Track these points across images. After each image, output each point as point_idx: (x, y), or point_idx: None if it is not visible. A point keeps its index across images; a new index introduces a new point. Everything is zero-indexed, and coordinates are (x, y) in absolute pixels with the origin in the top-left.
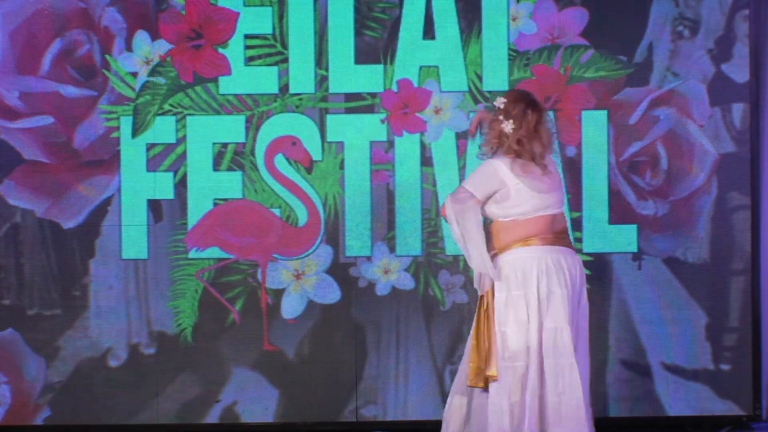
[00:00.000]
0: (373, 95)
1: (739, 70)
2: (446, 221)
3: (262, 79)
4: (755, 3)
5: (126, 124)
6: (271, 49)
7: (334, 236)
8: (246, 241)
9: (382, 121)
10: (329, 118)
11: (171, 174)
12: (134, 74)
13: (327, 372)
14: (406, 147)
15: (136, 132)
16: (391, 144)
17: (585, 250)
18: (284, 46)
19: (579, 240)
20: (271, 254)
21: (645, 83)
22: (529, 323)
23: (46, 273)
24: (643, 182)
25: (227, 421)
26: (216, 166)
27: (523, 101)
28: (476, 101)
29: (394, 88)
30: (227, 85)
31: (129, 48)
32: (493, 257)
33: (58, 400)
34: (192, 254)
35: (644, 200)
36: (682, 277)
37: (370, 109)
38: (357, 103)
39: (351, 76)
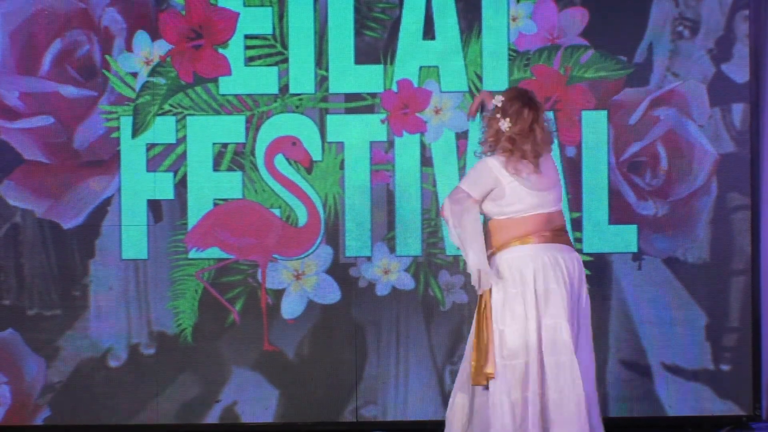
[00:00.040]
0: (373, 95)
1: (739, 70)
2: (445, 222)
3: (262, 80)
4: (755, 3)
5: (126, 125)
6: (271, 49)
7: (334, 236)
8: (246, 242)
9: (382, 122)
10: (329, 118)
11: (171, 174)
12: (134, 74)
13: (327, 372)
14: (406, 147)
15: (136, 132)
16: (391, 144)
17: (585, 250)
18: (284, 46)
19: (579, 240)
20: (271, 254)
21: (645, 83)
22: (527, 321)
23: (46, 273)
24: (643, 182)
25: (227, 422)
26: (216, 166)
27: (519, 100)
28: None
29: (394, 88)
30: (227, 86)
31: (129, 48)
32: (491, 255)
33: (58, 400)
34: (192, 254)
35: (644, 200)
36: (682, 277)
37: (370, 110)
38: (357, 104)
39: (351, 76)
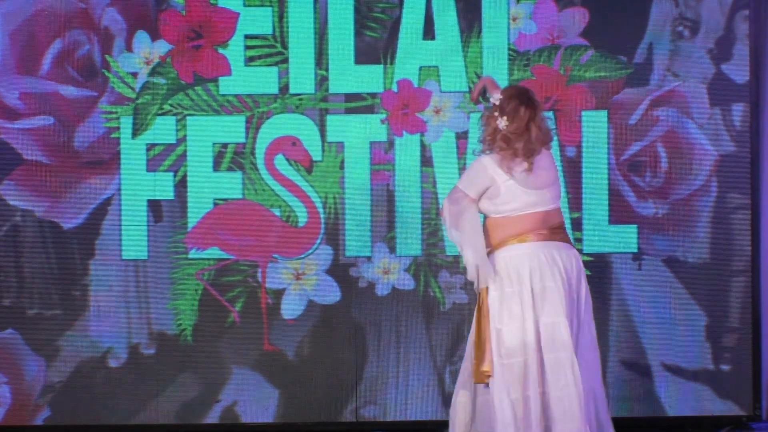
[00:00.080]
0: (373, 95)
1: (739, 70)
2: (443, 222)
3: (262, 80)
4: (755, 3)
5: (126, 125)
6: (271, 49)
7: (334, 236)
8: (246, 242)
9: (382, 122)
10: (329, 118)
11: (171, 174)
12: (134, 74)
13: (327, 372)
14: (406, 147)
15: (136, 132)
16: (391, 144)
17: (585, 250)
18: (284, 46)
19: (579, 240)
20: (271, 254)
21: (645, 83)
22: (524, 320)
23: (46, 273)
24: (643, 182)
25: (227, 422)
26: (216, 166)
27: (517, 98)
28: (476, 102)
29: (394, 88)
30: (227, 86)
31: (129, 48)
32: (488, 254)
33: (58, 400)
34: (192, 254)
35: (644, 200)
36: (682, 277)
37: (370, 110)
38: (357, 104)
39: (351, 76)
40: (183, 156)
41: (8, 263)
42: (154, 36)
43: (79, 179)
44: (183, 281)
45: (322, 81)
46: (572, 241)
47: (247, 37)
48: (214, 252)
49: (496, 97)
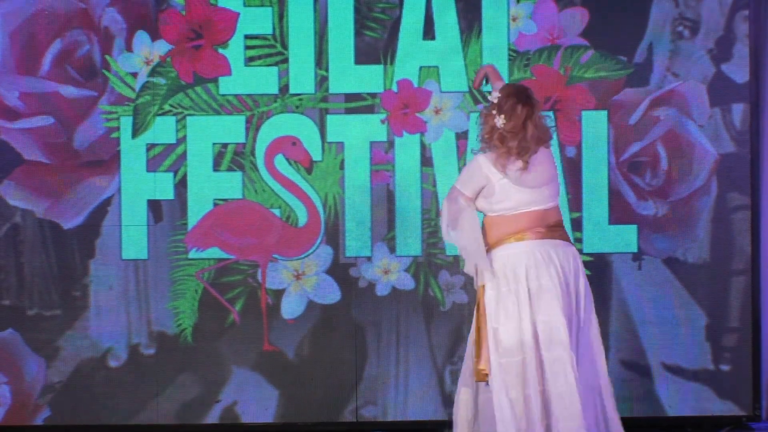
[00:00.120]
0: (373, 95)
1: (739, 70)
2: (441, 221)
3: (262, 80)
4: (755, 3)
5: (126, 125)
6: (271, 49)
7: (334, 236)
8: (246, 242)
9: (382, 122)
10: (329, 118)
11: (171, 174)
12: (134, 74)
13: (327, 372)
14: (406, 147)
15: (136, 132)
16: (391, 144)
17: (585, 250)
18: (284, 46)
19: (579, 240)
20: (271, 254)
21: (645, 83)
22: (521, 319)
23: (46, 273)
24: (643, 182)
25: (227, 422)
26: (216, 166)
27: (514, 96)
28: (476, 101)
29: (394, 88)
30: (227, 86)
31: (129, 48)
32: (486, 252)
33: (58, 400)
34: (192, 254)
35: (644, 200)
36: (682, 277)
37: (370, 110)
38: (357, 104)
39: (351, 76)
40: (183, 156)
41: (8, 263)
42: (154, 36)
43: (79, 179)
44: (183, 281)
45: (322, 81)
46: (572, 238)
47: (247, 37)
48: (214, 252)
49: (494, 95)
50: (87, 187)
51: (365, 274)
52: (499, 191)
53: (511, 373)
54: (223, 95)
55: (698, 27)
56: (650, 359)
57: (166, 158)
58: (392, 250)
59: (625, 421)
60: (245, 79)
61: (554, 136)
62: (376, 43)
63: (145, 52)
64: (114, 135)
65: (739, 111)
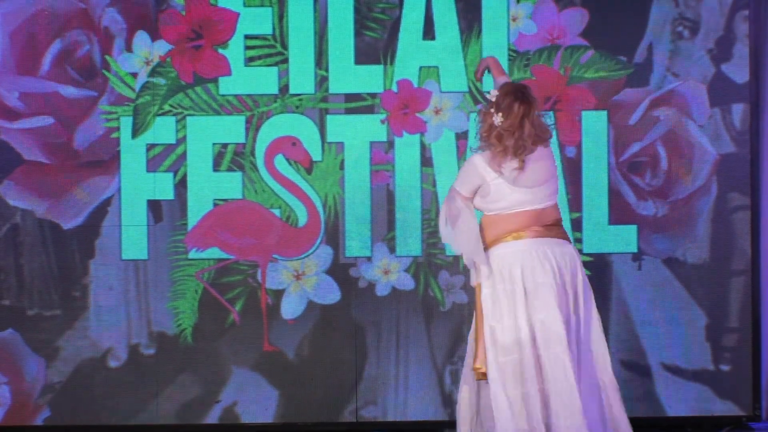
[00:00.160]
0: (373, 96)
1: (739, 71)
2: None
3: (262, 80)
4: (755, 3)
5: (126, 125)
6: (271, 49)
7: (334, 237)
8: (246, 242)
9: (382, 122)
10: (329, 118)
11: (171, 174)
12: (134, 75)
13: (327, 372)
14: (406, 147)
15: (136, 132)
16: (391, 144)
17: (585, 250)
18: (284, 46)
19: (579, 240)
20: (271, 255)
21: (645, 83)
22: (517, 317)
23: (46, 273)
24: (643, 182)
25: (227, 422)
26: (216, 166)
27: (512, 94)
28: (476, 102)
29: (394, 88)
30: (227, 86)
31: (129, 48)
32: (484, 251)
33: (58, 400)
34: (192, 255)
35: (644, 200)
36: (682, 277)
37: (370, 110)
38: (357, 104)
39: (351, 76)
40: (183, 156)
41: (8, 263)
42: (154, 36)
43: (79, 179)
44: (183, 281)
45: (322, 81)
46: (571, 238)
47: (247, 37)
48: (214, 252)
49: (493, 93)
50: (87, 187)
51: (365, 275)
52: (494, 191)
53: (508, 372)
54: (223, 95)
55: (698, 27)
56: (650, 359)
57: (166, 158)
58: (392, 250)
59: None
60: (245, 79)
61: (554, 136)
62: (376, 43)
63: (145, 53)
64: (114, 135)
65: (739, 111)
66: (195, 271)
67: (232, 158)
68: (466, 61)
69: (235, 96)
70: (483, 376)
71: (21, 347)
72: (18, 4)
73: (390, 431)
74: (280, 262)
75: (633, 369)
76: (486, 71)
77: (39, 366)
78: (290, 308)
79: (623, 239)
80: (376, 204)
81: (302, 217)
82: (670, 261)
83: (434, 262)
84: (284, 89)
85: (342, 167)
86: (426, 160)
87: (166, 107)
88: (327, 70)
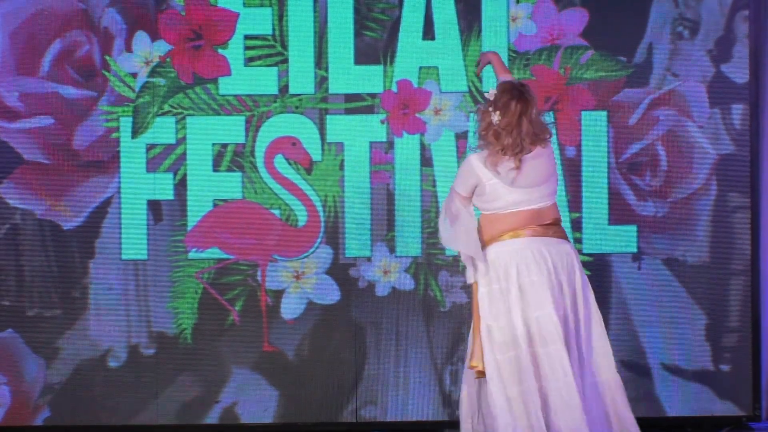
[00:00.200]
0: (373, 96)
1: (738, 71)
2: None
3: (262, 80)
4: (755, 3)
5: (126, 125)
6: (271, 49)
7: (333, 237)
8: (246, 242)
9: (382, 122)
10: (329, 118)
11: (171, 174)
12: (134, 75)
13: (327, 372)
14: (406, 147)
15: (135, 133)
16: (390, 145)
17: (585, 251)
18: (284, 46)
19: (579, 240)
20: (270, 255)
21: (645, 84)
22: (512, 316)
23: (46, 274)
24: (642, 182)
25: (227, 422)
26: (216, 166)
27: (509, 92)
28: (476, 102)
29: (394, 88)
30: (227, 86)
31: (129, 49)
32: (482, 249)
33: (57, 400)
34: (192, 255)
35: (644, 201)
36: (682, 277)
37: (369, 110)
38: (357, 104)
39: (351, 76)
40: (183, 156)
41: (8, 263)
42: (154, 36)
43: (79, 179)
44: (183, 281)
45: (321, 81)
46: (570, 238)
47: (246, 37)
48: (214, 252)
49: (491, 92)
50: (87, 187)
51: (365, 275)
52: (489, 191)
53: (506, 370)
54: (223, 95)
55: (698, 27)
56: (650, 359)
57: (166, 158)
58: (392, 250)
59: None
60: (245, 79)
61: (554, 136)
62: (376, 43)
63: (144, 53)
64: (114, 135)
65: (738, 111)
66: (195, 272)
67: (231, 158)
68: (465, 62)
69: (235, 96)
70: (480, 374)
71: (21, 347)
72: (18, 4)
73: (390, 431)
74: (279, 262)
75: (633, 369)
76: (489, 67)
77: (39, 366)
78: (290, 308)
79: (623, 239)
80: (376, 204)
81: (302, 217)
82: (670, 261)
83: (434, 262)
84: (284, 89)
85: (342, 167)
86: (426, 161)
87: (166, 107)
88: (327, 71)
